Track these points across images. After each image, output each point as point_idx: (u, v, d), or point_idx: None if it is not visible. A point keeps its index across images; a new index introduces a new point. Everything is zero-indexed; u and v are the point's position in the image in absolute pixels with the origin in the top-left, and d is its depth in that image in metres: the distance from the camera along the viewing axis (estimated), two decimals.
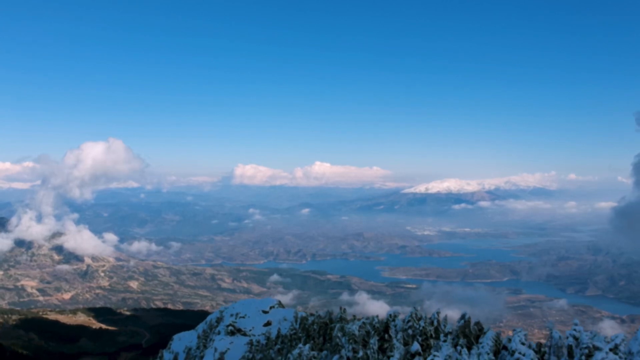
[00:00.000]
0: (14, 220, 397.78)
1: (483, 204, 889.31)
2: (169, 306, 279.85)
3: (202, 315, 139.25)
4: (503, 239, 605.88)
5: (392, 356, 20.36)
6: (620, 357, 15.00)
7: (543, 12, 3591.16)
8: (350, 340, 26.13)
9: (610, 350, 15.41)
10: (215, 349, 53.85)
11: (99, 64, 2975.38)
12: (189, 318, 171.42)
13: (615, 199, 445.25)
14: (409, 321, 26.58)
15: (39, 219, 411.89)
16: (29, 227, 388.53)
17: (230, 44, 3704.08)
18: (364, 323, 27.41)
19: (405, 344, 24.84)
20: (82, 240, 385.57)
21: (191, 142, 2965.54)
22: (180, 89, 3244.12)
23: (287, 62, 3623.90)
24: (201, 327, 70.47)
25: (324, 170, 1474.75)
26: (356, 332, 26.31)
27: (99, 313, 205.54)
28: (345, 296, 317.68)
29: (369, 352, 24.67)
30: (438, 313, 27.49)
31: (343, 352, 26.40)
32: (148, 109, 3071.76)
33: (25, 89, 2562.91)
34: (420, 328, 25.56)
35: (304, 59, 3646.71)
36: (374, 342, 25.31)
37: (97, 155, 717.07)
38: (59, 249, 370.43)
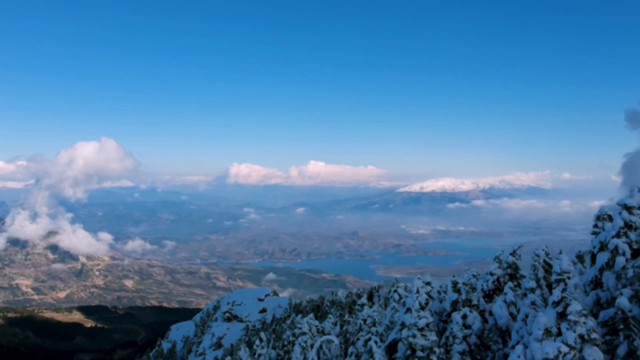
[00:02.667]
0: (8, 219, 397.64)
1: (478, 202, 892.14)
2: (164, 305, 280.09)
3: (197, 312, 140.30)
4: (497, 238, 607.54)
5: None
6: None
7: (538, 13, 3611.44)
8: (337, 307, 28.12)
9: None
10: (213, 334, 55.43)
11: (94, 63, 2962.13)
12: (184, 316, 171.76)
13: (609, 198, 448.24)
14: (390, 290, 28.62)
15: (33, 218, 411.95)
16: (23, 226, 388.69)
17: (224, 43, 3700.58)
18: (349, 292, 29.46)
19: None
20: (76, 239, 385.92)
21: (186, 142, 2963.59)
22: (175, 89, 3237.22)
23: (282, 61, 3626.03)
24: (199, 316, 71.92)
25: (319, 169, 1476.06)
26: (343, 300, 28.35)
27: (94, 311, 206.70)
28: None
29: (353, 316, 26.63)
30: None
31: (330, 317, 28.39)
32: (143, 109, 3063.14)
33: (19, 88, 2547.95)
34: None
35: (298, 59, 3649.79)
36: (358, 307, 27.33)
37: (89, 154, 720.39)
38: (53, 248, 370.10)
